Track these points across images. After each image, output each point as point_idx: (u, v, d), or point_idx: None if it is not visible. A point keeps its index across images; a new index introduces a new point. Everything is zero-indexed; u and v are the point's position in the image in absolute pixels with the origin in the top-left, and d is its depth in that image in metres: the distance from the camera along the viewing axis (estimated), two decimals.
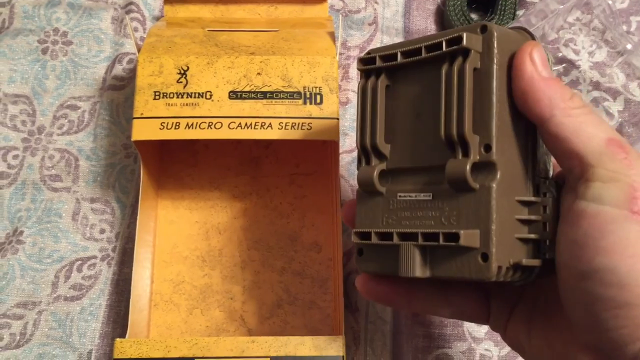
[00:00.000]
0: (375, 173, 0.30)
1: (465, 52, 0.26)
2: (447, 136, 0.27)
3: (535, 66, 0.25)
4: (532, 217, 0.27)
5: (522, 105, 0.26)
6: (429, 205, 0.28)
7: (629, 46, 0.45)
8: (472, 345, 0.40)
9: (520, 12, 0.48)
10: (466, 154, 0.26)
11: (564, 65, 0.47)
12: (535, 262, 0.26)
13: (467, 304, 0.32)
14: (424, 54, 0.28)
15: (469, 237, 0.26)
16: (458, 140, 0.26)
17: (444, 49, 0.27)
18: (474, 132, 0.26)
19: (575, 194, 0.25)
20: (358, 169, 0.31)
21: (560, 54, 0.47)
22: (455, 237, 0.26)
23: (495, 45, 0.26)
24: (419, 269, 0.27)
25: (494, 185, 0.26)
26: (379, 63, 0.30)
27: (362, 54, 0.31)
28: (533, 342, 0.29)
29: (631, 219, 0.23)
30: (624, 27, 0.47)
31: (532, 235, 0.27)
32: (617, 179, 0.24)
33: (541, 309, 0.30)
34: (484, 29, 0.26)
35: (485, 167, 0.26)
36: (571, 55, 0.47)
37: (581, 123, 0.25)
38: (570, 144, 0.25)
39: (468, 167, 0.26)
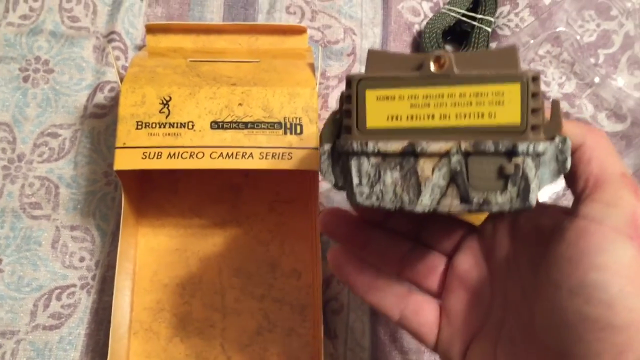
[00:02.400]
0: None
1: None
2: None
3: None
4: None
5: None
6: None
7: (596, 79, 0.47)
8: None
9: (493, 45, 0.50)
10: None
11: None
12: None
13: (421, 311, 0.32)
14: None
15: None
16: None
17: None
18: None
19: (575, 214, 0.26)
20: None
21: None
22: None
23: None
24: None
25: None
26: None
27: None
28: None
29: (629, 243, 0.24)
30: (592, 60, 0.49)
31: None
32: (622, 205, 0.25)
33: (507, 338, 0.29)
34: None
35: None
36: (542, 87, 0.49)
37: (603, 152, 0.26)
38: (589, 167, 0.26)
39: None
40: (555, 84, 0.49)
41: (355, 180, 0.27)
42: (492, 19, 0.49)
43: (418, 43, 0.51)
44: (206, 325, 0.43)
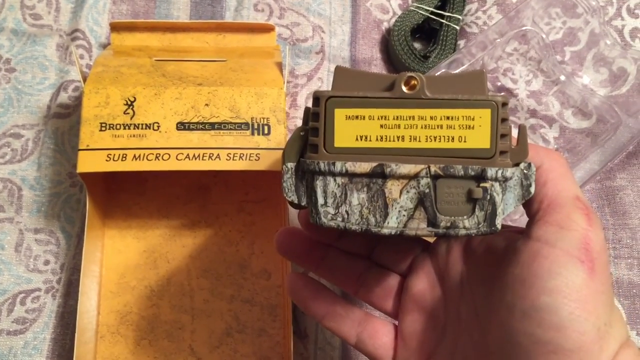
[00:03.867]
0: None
1: None
2: None
3: None
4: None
5: None
6: None
7: (562, 77, 0.48)
8: None
9: (461, 43, 0.50)
10: None
11: (502, 93, 0.49)
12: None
13: (377, 334, 0.33)
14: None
15: None
16: None
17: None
18: None
19: (529, 236, 0.26)
20: None
21: (499, 83, 0.49)
22: None
23: None
24: None
25: None
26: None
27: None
28: None
29: (579, 266, 0.24)
30: (559, 57, 0.50)
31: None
32: (575, 229, 0.25)
33: (461, 359, 0.30)
34: None
35: None
36: (509, 84, 0.49)
37: (559, 175, 0.27)
38: (544, 189, 0.26)
39: None
40: (522, 82, 0.49)
41: (321, 201, 0.26)
42: (460, 17, 0.49)
43: (387, 41, 0.51)
44: (175, 328, 0.42)
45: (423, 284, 0.32)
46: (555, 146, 0.47)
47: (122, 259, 0.43)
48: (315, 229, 0.32)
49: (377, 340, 0.32)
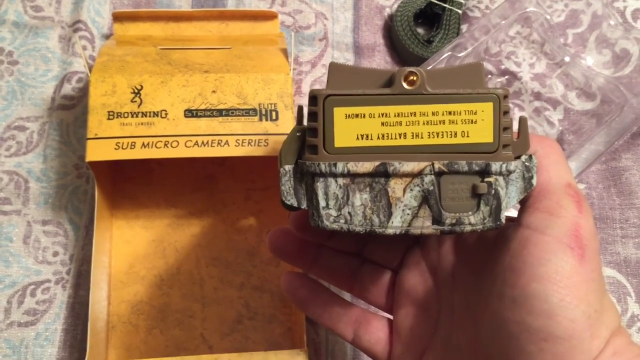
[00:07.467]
0: None
1: None
2: None
3: None
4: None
5: None
6: None
7: (567, 59, 0.48)
8: None
9: (464, 27, 0.50)
10: None
11: (506, 77, 0.49)
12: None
13: (372, 330, 0.33)
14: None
15: None
16: None
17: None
18: None
19: (519, 223, 0.26)
20: None
21: (503, 67, 0.49)
22: None
23: None
24: None
25: None
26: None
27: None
28: None
29: (569, 253, 0.24)
30: (562, 40, 0.50)
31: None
32: (565, 216, 0.25)
33: (455, 351, 0.30)
34: None
35: None
36: (513, 68, 0.49)
37: (551, 162, 0.27)
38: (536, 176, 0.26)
39: None
40: (526, 65, 0.49)
41: (322, 203, 0.26)
42: (462, 1, 0.49)
43: (389, 27, 0.50)
44: (186, 316, 0.42)
45: (415, 277, 0.32)
46: (560, 128, 0.48)
47: (131, 248, 0.43)
48: (306, 229, 0.32)
49: (373, 336, 0.32)
